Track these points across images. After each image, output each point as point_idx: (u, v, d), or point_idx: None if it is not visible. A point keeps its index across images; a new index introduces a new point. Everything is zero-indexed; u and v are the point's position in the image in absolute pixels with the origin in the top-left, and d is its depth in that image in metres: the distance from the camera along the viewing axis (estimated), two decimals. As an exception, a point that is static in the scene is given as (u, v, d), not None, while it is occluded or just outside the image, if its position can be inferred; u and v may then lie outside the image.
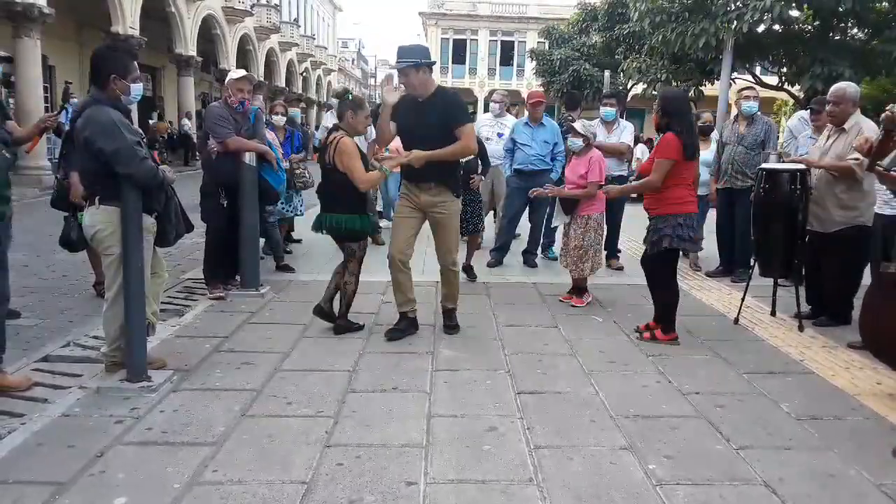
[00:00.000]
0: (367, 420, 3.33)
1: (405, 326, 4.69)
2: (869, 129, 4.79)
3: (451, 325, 4.83)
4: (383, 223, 8.81)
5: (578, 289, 5.66)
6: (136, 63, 3.73)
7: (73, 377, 3.83)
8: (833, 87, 5.07)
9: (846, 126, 4.87)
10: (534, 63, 28.72)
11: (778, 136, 6.59)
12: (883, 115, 4.01)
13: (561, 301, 5.67)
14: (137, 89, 3.67)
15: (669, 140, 4.41)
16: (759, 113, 6.58)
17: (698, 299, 5.86)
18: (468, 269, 6.39)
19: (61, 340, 4.47)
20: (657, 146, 4.58)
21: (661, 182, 4.43)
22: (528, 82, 38.64)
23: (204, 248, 5.71)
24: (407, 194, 4.60)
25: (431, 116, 4.36)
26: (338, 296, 4.77)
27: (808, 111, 6.84)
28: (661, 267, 4.66)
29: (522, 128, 6.95)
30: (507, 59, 44.45)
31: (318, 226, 4.70)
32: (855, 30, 15.08)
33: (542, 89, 28.20)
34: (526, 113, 7.13)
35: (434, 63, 4.57)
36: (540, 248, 7.46)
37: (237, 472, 2.81)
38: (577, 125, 5.66)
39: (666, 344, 4.56)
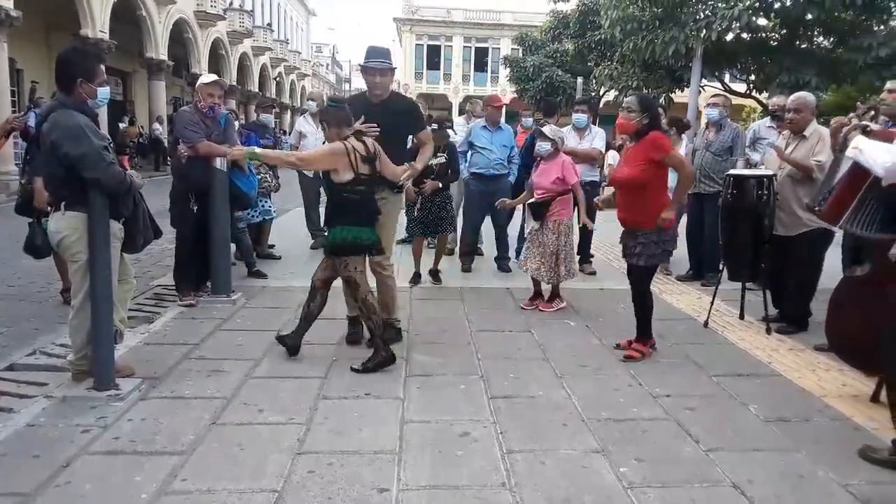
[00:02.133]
0: (339, 427, 3.31)
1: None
2: (828, 136, 4.91)
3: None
4: None
5: (552, 294, 5.69)
6: (102, 66, 3.68)
7: (39, 386, 3.75)
8: (794, 95, 5.18)
9: (806, 133, 4.98)
10: (508, 69, 28.86)
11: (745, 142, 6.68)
12: (832, 123, 4.14)
13: (523, 308, 5.60)
14: (104, 93, 3.63)
15: (662, 137, 4.34)
16: (728, 119, 6.68)
17: (668, 303, 5.92)
18: (434, 273, 6.47)
19: (27, 349, 4.38)
20: (655, 147, 4.21)
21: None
22: (502, 88, 38.81)
23: (174, 255, 5.64)
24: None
25: (392, 118, 4.46)
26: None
27: (773, 119, 6.95)
28: (648, 278, 4.51)
29: (481, 131, 6.95)
30: (481, 66, 44.64)
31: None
32: (821, 38, 15.35)
33: (515, 95, 28.44)
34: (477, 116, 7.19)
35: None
36: (514, 253, 7.50)
37: (207, 481, 2.78)
38: (546, 129, 5.67)
39: (650, 353, 4.47)
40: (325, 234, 8.26)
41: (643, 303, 4.50)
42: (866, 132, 3.41)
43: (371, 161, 4.12)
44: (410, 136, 4.97)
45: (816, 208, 3.74)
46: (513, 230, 7.29)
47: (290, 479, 2.81)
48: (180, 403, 3.55)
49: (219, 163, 5.32)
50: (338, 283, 4.32)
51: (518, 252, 7.57)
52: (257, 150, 4.24)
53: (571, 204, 5.62)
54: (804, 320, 5.11)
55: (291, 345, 4.30)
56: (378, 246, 4.31)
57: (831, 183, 3.66)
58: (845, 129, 3.56)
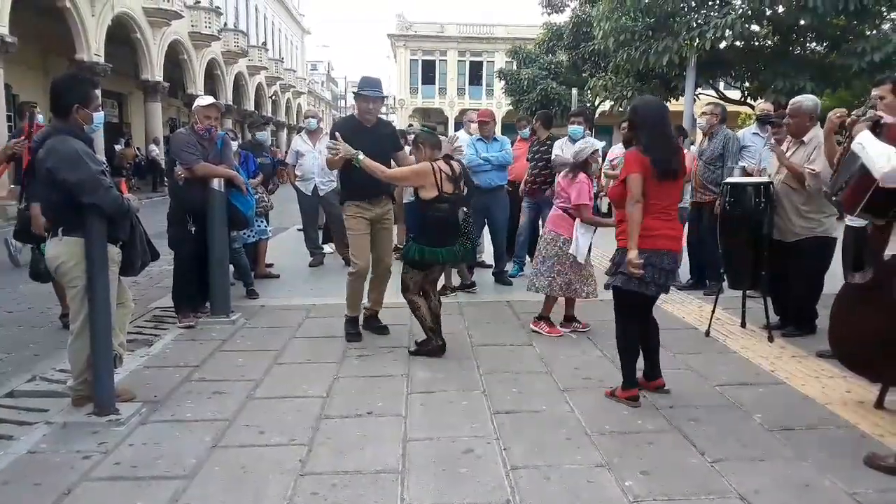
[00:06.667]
0: (341, 446, 3.29)
1: (359, 329, 5.17)
2: None
3: (381, 325, 5.27)
4: None
5: (566, 317, 5.48)
6: (97, 91, 3.69)
7: (40, 412, 3.73)
8: (791, 101, 5.20)
9: (805, 138, 4.99)
10: (502, 82, 28.99)
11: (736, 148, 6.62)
12: (847, 120, 4.10)
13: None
14: (100, 118, 3.64)
15: (630, 156, 3.75)
16: (723, 127, 6.68)
17: (670, 313, 5.90)
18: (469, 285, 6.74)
19: (27, 374, 4.36)
20: (626, 164, 3.76)
21: (637, 199, 3.60)
22: (497, 101, 38.95)
23: (173, 276, 5.63)
24: (360, 211, 4.99)
25: (380, 140, 5.01)
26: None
27: (767, 125, 6.97)
28: (626, 305, 3.86)
29: (477, 144, 6.97)
30: (476, 79, 44.84)
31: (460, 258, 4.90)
32: (814, 44, 15.44)
33: (511, 108, 28.53)
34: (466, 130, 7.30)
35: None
36: (512, 264, 7.48)
37: (209, 505, 2.76)
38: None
39: (626, 403, 3.81)
40: (324, 252, 8.36)
41: (618, 336, 3.93)
42: (878, 125, 3.34)
43: (455, 181, 4.57)
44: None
45: (834, 198, 3.72)
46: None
47: (292, 502, 2.78)
48: (181, 427, 3.53)
49: (216, 183, 5.32)
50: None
51: (515, 263, 7.56)
52: (361, 156, 4.52)
53: (571, 221, 5.45)
54: (812, 322, 5.10)
55: (435, 347, 4.70)
56: (457, 261, 5.09)
57: (847, 174, 3.63)
58: (849, 121, 3.52)
